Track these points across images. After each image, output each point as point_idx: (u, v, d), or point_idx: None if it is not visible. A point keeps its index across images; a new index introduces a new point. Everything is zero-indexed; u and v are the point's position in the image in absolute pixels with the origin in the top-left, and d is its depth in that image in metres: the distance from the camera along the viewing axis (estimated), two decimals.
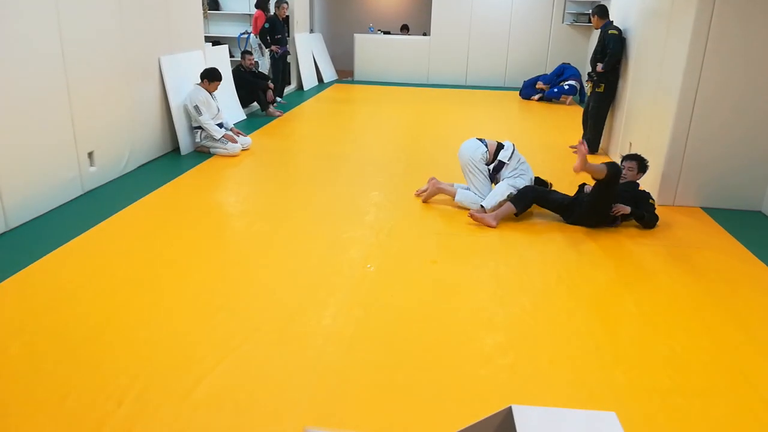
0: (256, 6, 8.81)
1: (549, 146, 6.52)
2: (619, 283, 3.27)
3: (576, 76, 9.66)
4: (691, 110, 4.35)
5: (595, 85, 5.95)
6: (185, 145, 5.81)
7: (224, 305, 2.88)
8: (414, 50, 11.57)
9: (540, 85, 9.70)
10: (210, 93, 5.78)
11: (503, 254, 3.61)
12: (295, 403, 2.21)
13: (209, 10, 10.22)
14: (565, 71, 9.75)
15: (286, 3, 8.69)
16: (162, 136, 5.67)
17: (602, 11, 6.06)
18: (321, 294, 3.02)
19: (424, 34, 11.86)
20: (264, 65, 8.66)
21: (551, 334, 2.73)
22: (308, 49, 10.82)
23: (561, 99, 9.60)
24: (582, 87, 9.64)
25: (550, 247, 3.74)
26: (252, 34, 8.98)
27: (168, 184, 4.78)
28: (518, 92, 10.27)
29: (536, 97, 9.75)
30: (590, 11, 6.78)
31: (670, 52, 4.57)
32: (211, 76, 5.75)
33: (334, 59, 12.42)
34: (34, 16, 3.82)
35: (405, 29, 12.42)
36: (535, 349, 2.61)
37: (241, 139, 5.91)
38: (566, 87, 9.53)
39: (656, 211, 4.11)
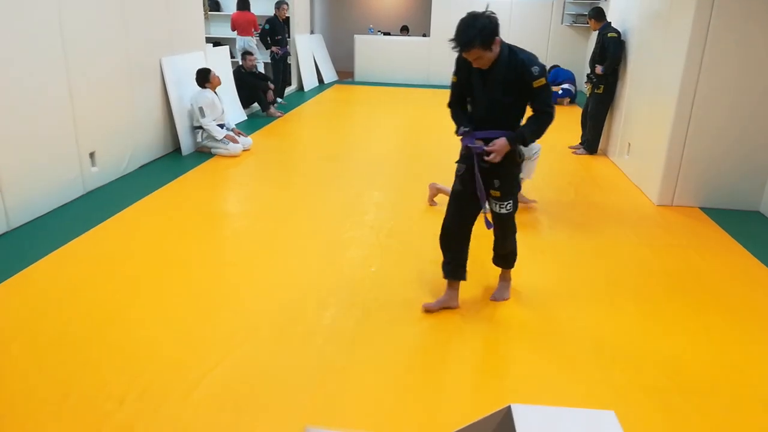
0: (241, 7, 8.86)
1: (548, 147, 6.52)
2: (618, 283, 3.27)
3: (570, 78, 9.62)
4: (689, 111, 4.35)
5: (595, 86, 5.96)
6: (186, 145, 5.82)
7: (224, 305, 2.89)
8: (414, 51, 11.57)
9: None
10: (215, 92, 5.78)
11: None
12: (295, 403, 2.21)
13: (210, 11, 10.23)
14: (558, 75, 9.71)
15: (287, 4, 8.70)
16: (163, 137, 5.68)
17: (599, 14, 6.07)
18: (321, 294, 3.03)
19: (424, 35, 11.86)
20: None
21: (551, 334, 2.73)
22: (309, 50, 10.83)
23: (557, 101, 9.59)
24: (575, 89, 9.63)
25: (550, 246, 3.75)
26: (238, 37, 9.00)
27: (169, 184, 4.78)
28: None
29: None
30: (587, 13, 6.78)
31: (668, 54, 4.58)
32: (204, 73, 5.73)
33: (335, 60, 12.42)
34: (36, 17, 3.83)
35: (405, 30, 12.41)
36: (535, 349, 2.61)
37: (242, 139, 5.91)
38: (560, 92, 9.51)
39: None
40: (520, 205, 4.27)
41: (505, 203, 2.78)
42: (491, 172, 2.70)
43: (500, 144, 2.60)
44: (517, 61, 2.55)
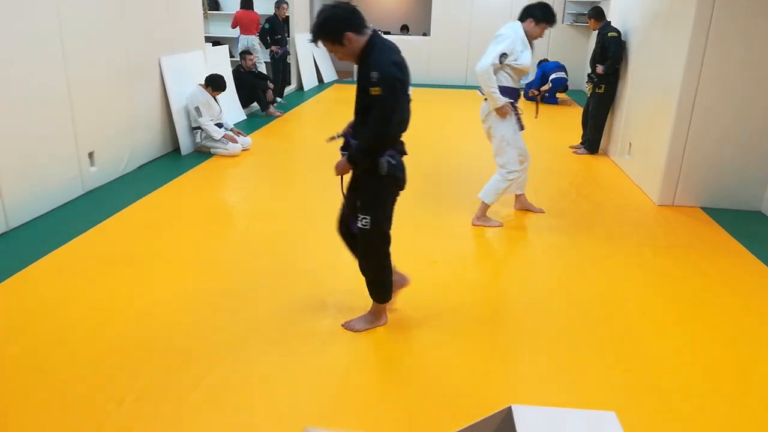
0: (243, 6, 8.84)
1: (549, 146, 6.53)
2: (619, 283, 3.27)
3: (559, 67, 9.48)
4: (690, 110, 4.35)
5: (596, 86, 5.96)
6: (185, 145, 5.81)
7: (224, 305, 2.88)
8: (414, 50, 11.56)
9: (533, 92, 9.62)
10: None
11: (503, 254, 3.61)
12: (295, 403, 2.21)
13: (209, 10, 10.23)
14: (545, 68, 9.59)
15: (286, 3, 8.69)
16: (162, 136, 5.67)
17: (598, 13, 6.07)
18: (321, 294, 3.02)
19: (424, 35, 11.86)
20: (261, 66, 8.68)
21: (551, 334, 2.73)
22: (308, 50, 10.82)
23: (558, 102, 9.54)
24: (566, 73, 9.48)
25: (550, 247, 3.74)
26: (241, 36, 8.99)
27: (168, 184, 4.78)
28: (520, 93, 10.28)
29: (539, 98, 9.69)
30: (587, 13, 6.78)
31: (669, 53, 4.58)
32: (215, 85, 5.76)
33: (334, 59, 12.42)
34: (35, 17, 3.83)
35: (405, 29, 12.41)
36: (535, 349, 2.61)
37: (241, 139, 5.91)
38: (550, 84, 9.39)
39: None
40: (522, 211, 4.26)
41: (362, 217, 2.50)
42: (354, 180, 2.56)
43: (339, 163, 2.49)
44: (368, 61, 2.32)
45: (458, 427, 1.48)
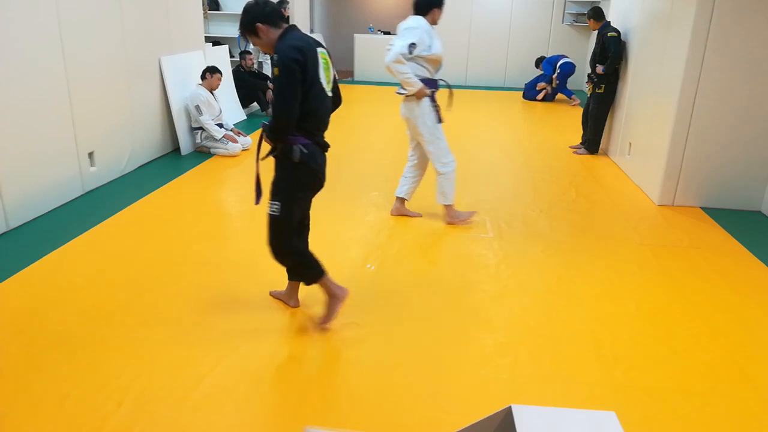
0: None
1: (549, 146, 6.53)
2: (619, 283, 3.27)
3: (561, 56, 9.58)
4: (691, 110, 4.35)
5: (596, 86, 5.96)
6: (186, 145, 5.81)
7: (224, 305, 2.88)
8: None
9: (542, 85, 9.65)
10: (212, 92, 5.79)
11: (503, 254, 3.61)
12: (295, 403, 2.21)
13: (209, 10, 10.21)
14: (551, 61, 9.64)
15: (288, 3, 8.70)
16: (162, 136, 5.67)
17: (598, 14, 6.07)
18: (321, 294, 3.02)
19: None
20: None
21: (551, 334, 2.73)
22: None
23: (571, 98, 9.56)
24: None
25: (550, 246, 3.74)
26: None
27: (168, 184, 4.78)
28: (519, 92, 10.28)
29: (540, 96, 9.71)
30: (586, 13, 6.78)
31: (670, 53, 4.58)
32: (211, 70, 5.79)
33: (334, 59, 12.39)
34: (34, 16, 3.83)
35: None
36: (535, 349, 2.61)
37: (241, 139, 5.91)
38: (558, 70, 9.42)
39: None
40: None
41: (271, 203, 2.52)
42: (275, 166, 2.56)
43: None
44: (277, 47, 2.39)
45: (458, 427, 1.48)
